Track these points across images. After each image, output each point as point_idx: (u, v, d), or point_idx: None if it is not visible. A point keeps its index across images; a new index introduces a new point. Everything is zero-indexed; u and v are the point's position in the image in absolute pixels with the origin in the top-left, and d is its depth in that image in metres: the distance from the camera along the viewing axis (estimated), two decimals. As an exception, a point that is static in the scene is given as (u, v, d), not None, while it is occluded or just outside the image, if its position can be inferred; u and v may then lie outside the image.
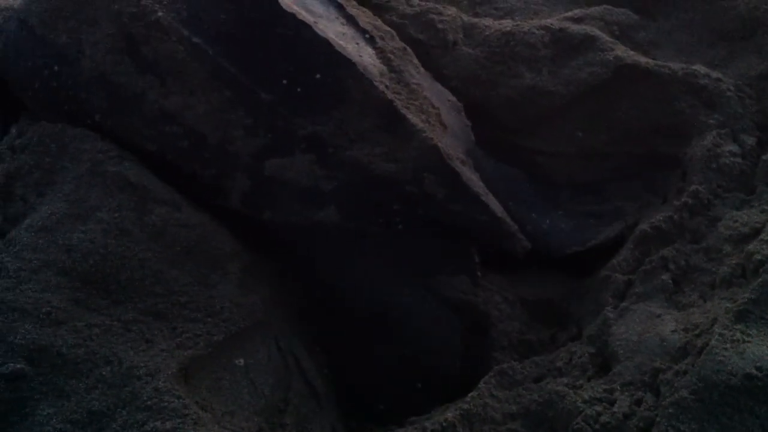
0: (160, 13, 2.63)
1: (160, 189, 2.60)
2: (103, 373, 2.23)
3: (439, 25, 3.23)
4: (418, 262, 2.72)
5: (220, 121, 2.59)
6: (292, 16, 2.60)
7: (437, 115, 2.73)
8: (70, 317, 2.31)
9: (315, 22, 2.64)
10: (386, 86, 2.63)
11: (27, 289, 2.34)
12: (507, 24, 3.27)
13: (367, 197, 2.61)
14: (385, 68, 2.71)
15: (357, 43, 2.72)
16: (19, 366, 2.18)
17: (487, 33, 3.22)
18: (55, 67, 2.75)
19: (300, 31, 2.60)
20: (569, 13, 3.37)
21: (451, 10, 3.32)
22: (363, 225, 2.64)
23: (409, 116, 2.60)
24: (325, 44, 2.59)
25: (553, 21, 3.26)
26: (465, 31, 3.25)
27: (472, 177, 2.68)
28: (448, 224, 2.66)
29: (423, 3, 3.34)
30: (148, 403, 2.18)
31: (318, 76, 2.59)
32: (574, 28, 3.19)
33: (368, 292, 2.74)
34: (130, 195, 2.56)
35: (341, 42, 2.65)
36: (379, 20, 3.02)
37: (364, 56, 2.68)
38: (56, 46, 2.74)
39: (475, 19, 3.33)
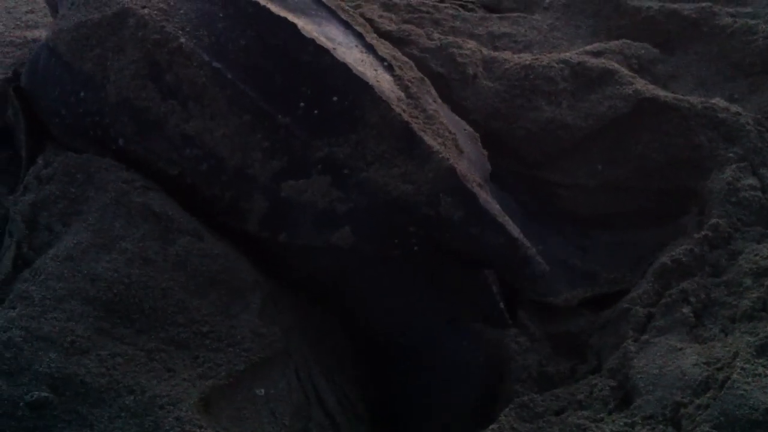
0: (182, 40, 2.68)
1: (184, 219, 2.63)
2: (126, 402, 2.24)
3: (459, 59, 3.26)
4: (445, 295, 2.72)
5: (239, 144, 2.63)
6: (312, 42, 2.65)
7: (454, 140, 2.74)
8: (94, 346, 2.33)
9: (334, 48, 2.68)
10: (403, 110, 2.65)
11: (52, 318, 2.36)
12: (526, 58, 3.29)
13: (383, 219, 2.60)
14: (402, 94, 2.73)
15: (375, 70, 2.75)
16: (43, 394, 2.20)
17: (506, 66, 3.25)
18: (81, 93, 2.81)
19: (319, 56, 2.64)
20: (588, 47, 3.40)
21: (471, 44, 3.35)
22: (378, 247, 2.64)
23: (426, 139, 2.61)
24: (343, 68, 2.63)
25: (572, 55, 3.28)
26: (485, 64, 3.28)
27: (489, 200, 2.67)
28: (464, 247, 2.65)
29: (443, 37, 3.37)
30: (170, 432, 2.19)
31: (335, 98, 2.62)
32: (593, 61, 3.22)
33: (391, 322, 2.75)
34: (154, 225, 2.59)
35: (359, 67, 2.68)
36: (398, 51, 3.06)
37: (382, 82, 2.71)
38: (83, 73, 2.80)
39: (495, 53, 3.35)
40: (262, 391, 2.46)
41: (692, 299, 2.50)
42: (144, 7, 2.76)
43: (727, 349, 2.26)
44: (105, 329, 2.38)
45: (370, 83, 2.63)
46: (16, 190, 2.80)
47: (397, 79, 2.77)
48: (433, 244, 2.64)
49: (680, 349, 2.33)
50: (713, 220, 2.70)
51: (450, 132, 2.75)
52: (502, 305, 2.69)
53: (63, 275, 2.46)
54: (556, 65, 3.21)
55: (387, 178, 2.59)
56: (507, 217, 2.68)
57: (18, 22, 3.85)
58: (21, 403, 2.18)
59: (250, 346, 2.46)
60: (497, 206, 2.69)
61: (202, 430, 2.20)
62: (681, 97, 3.08)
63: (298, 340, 2.65)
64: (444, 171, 2.59)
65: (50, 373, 2.24)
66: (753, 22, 3.37)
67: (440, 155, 2.60)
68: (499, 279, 2.73)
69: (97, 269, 2.47)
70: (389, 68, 2.80)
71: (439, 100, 2.94)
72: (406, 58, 3.01)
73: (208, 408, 2.32)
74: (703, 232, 2.68)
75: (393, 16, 3.52)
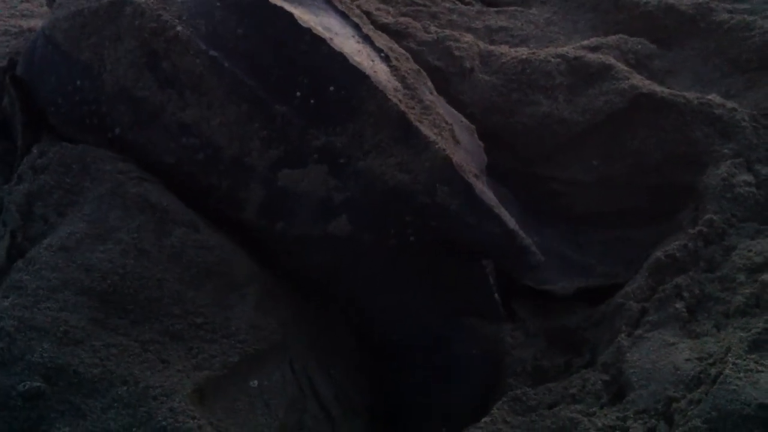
0: (179, 28, 2.68)
1: (180, 210, 2.63)
2: (120, 392, 2.24)
3: (456, 53, 3.26)
4: (442, 287, 2.72)
5: (236, 133, 2.63)
6: (309, 31, 2.65)
7: (450, 131, 2.75)
8: (87, 336, 2.33)
9: (331, 38, 2.68)
10: (399, 100, 2.66)
11: (45, 308, 2.36)
12: (523, 52, 3.29)
13: (380, 208, 2.62)
14: (399, 84, 2.74)
15: (372, 60, 2.76)
16: (36, 384, 2.19)
17: (503, 60, 3.25)
18: (78, 82, 2.81)
19: (316, 45, 2.65)
20: (585, 42, 3.40)
21: (468, 38, 3.35)
22: (375, 237, 2.65)
23: (422, 128, 2.63)
24: (340, 58, 2.63)
25: (569, 49, 3.29)
26: (482, 58, 3.28)
27: (485, 190, 2.69)
28: (461, 237, 2.66)
29: (440, 30, 3.38)
30: (164, 423, 2.19)
31: (332, 88, 2.62)
32: (590, 56, 3.22)
33: (387, 316, 2.75)
34: (150, 216, 2.59)
35: (356, 57, 2.69)
36: (394, 43, 3.06)
37: (379, 72, 2.72)
38: (80, 62, 2.80)
39: (492, 47, 3.35)
40: (257, 383, 2.46)
41: (686, 294, 2.51)
42: None
43: (720, 344, 2.26)
44: (99, 320, 2.38)
45: (367, 73, 2.63)
46: (11, 180, 2.80)
47: (394, 70, 2.78)
48: (429, 234, 2.65)
49: (673, 344, 2.34)
50: (708, 216, 2.70)
51: (447, 122, 2.76)
52: (497, 297, 2.70)
53: (57, 265, 2.46)
54: (553, 60, 3.21)
55: (383, 168, 2.60)
56: (503, 208, 2.69)
57: (13, 11, 3.84)
58: (14, 393, 2.18)
59: (245, 338, 2.46)
60: (493, 197, 2.70)
61: (196, 421, 2.20)
62: (677, 92, 3.08)
63: (294, 332, 2.65)
64: (440, 161, 2.60)
65: (43, 363, 2.24)
66: (750, 18, 3.38)
67: (436, 145, 2.61)
68: (496, 271, 2.74)
69: (91, 260, 2.47)
70: (386, 59, 2.80)
71: (435, 93, 2.94)
72: (402, 50, 3.01)
73: (202, 399, 2.32)
74: (697, 228, 2.69)
75: (390, 9, 3.52)
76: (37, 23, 3.58)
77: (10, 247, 2.58)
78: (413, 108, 2.69)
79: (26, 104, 2.97)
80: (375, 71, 2.69)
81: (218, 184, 2.68)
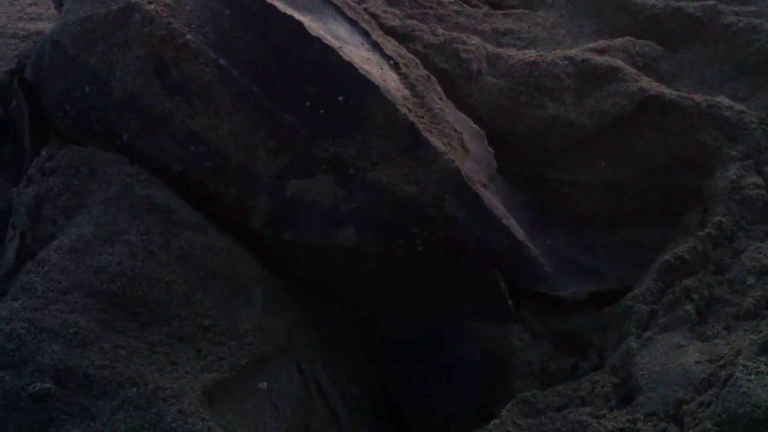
0: (188, 36, 2.68)
1: (187, 213, 2.64)
2: (129, 394, 2.24)
3: (464, 55, 3.25)
4: (448, 293, 2.72)
5: (244, 142, 2.64)
6: (318, 40, 2.65)
7: (459, 139, 2.75)
8: (97, 338, 2.33)
9: (340, 47, 2.68)
10: (409, 110, 2.66)
11: (55, 310, 2.36)
12: (530, 54, 3.29)
13: (387, 219, 2.62)
14: (408, 93, 2.74)
15: (381, 69, 2.76)
16: (46, 386, 2.20)
17: (510, 63, 3.25)
18: (86, 88, 2.81)
19: (325, 54, 2.65)
20: (592, 45, 3.39)
21: (475, 40, 3.35)
22: (382, 247, 2.65)
23: (431, 139, 2.63)
24: (349, 67, 2.64)
25: (577, 52, 3.28)
26: (489, 60, 3.27)
27: (493, 200, 2.69)
28: (468, 248, 2.66)
29: (447, 33, 3.37)
30: (173, 425, 2.19)
31: (341, 98, 2.63)
32: (598, 59, 3.21)
33: (394, 320, 2.75)
34: (158, 218, 2.60)
35: (365, 66, 2.69)
36: (403, 49, 3.06)
37: (388, 81, 2.72)
38: (88, 68, 2.80)
39: (499, 49, 3.35)
40: (265, 384, 2.46)
41: (695, 297, 2.51)
42: (150, 3, 2.76)
43: (730, 346, 2.26)
44: (108, 322, 2.38)
45: (376, 83, 2.63)
46: (20, 182, 2.80)
47: (403, 78, 2.78)
48: (436, 245, 2.64)
49: (683, 347, 2.34)
50: (717, 218, 2.70)
51: (456, 131, 2.76)
52: (510, 302, 2.70)
53: (66, 267, 2.46)
54: (560, 62, 3.20)
55: (392, 179, 2.61)
56: (511, 219, 2.69)
57: (21, 14, 3.84)
58: (24, 395, 2.18)
59: (253, 340, 2.47)
60: (502, 207, 2.70)
61: (205, 423, 2.20)
62: (685, 95, 3.08)
63: (301, 335, 2.66)
64: (449, 172, 2.60)
65: (53, 364, 2.24)
66: (757, 20, 3.37)
67: (445, 156, 2.61)
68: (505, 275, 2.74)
69: (100, 262, 2.48)
70: (395, 66, 2.80)
71: (445, 98, 2.94)
72: (411, 56, 3.01)
73: (211, 401, 2.32)
74: (706, 230, 2.68)
75: (397, 12, 3.52)
76: (44, 26, 3.59)
77: (19, 249, 2.59)
78: (422, 117, 2.69)
79: (34, 107, 2.97)
80: (384, 80, 2.69)
81: (225, 192, 2.68)
